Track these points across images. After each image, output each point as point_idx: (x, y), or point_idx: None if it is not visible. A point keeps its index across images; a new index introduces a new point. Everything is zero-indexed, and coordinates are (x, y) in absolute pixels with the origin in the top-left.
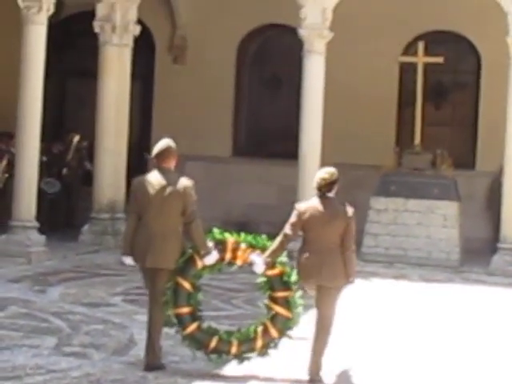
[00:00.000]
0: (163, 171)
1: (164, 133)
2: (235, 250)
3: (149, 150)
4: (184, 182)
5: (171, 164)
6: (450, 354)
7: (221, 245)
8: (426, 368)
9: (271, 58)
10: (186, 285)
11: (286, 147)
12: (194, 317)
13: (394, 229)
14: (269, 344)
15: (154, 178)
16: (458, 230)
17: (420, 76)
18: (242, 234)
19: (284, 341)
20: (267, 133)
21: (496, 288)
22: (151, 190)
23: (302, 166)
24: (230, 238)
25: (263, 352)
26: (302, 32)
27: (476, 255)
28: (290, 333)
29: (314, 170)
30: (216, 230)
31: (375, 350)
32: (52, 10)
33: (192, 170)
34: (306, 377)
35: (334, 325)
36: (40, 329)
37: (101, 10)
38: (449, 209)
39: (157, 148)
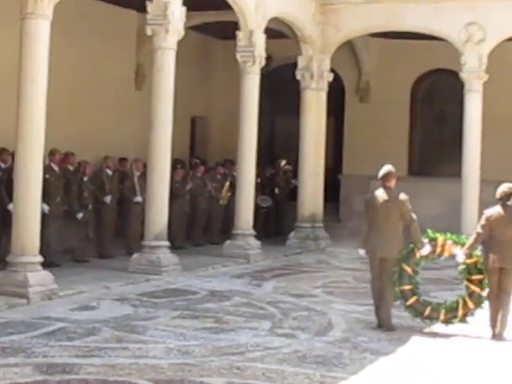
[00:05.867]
0: (386, 189)
1: (353, 158)
2: (443, 245)
3: (341, 172)
4: (401, 196)
5: (392, 183)
6: None
7: (433, 241)
8: None
9: (438, 96)
10: (408, 269)
11: (451, 168)
12: (414, 292)
13: None
14: (467, 313)
15: (380, 194)
16: None
17: None
18: (448, 234)
19: (479, 311)
20: (435, 156)
21: None
22: (378, 203)
23: (465, 184)
24: (440, 237)
25: (463, 319)
26: (463, 75)
27: None
28: (483, 305)
29: (474, 186)
30: (429, 231)
31: None
32: (263, 63)
33: (375, 187)
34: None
35: None
36: (257, 314)
37: (301, 61)
38: None
39: (381, 172)
